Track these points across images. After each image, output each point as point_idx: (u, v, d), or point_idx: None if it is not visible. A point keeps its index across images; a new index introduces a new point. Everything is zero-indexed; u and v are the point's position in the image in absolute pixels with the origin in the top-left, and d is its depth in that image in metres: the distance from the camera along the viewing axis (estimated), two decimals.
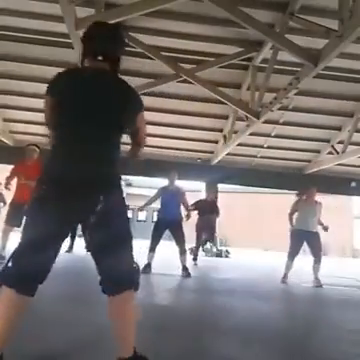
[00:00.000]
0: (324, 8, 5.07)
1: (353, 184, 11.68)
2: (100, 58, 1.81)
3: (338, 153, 9.58)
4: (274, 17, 5.40)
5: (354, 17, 4.09)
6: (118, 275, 1.77)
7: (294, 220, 6.45)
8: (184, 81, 6.91)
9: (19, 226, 5.84)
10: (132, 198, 23.20)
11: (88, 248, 1.87)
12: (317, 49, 5.03)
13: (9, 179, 6.00)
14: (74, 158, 1.73)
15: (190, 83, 6.93)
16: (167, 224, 6.10)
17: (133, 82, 7.75)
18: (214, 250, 11.48)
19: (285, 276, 6.18)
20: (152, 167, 11.00)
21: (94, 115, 1.75)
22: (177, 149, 10.88)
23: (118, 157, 1.84)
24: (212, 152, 10.99)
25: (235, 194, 18.16)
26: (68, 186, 1.68)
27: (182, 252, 6.13)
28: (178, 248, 6.15)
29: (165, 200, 6.34)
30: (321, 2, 5.05)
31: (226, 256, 11.65)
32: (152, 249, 6.08)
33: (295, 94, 6.31)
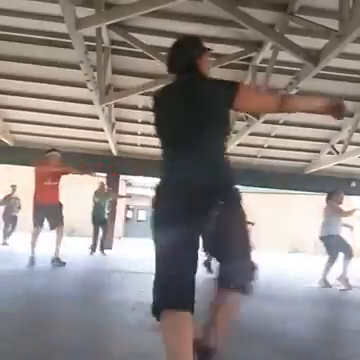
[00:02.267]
0: (324, 8, 5.06)
1: (353, 184, 11.68)
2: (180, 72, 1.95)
3: (338, 153, 9.58)
4: (274, 17, 5.40)
5: (354, 17, 4.09)
6: (231, 274, 1.80)
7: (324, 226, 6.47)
8: None
9: (42, 226, 6.17)
10: (132, 198, 23.26)
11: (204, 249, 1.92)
12: (317, 49, 5.03)
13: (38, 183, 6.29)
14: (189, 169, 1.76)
15: None
16: None
17: (133, 82, 7.75)
18: None
19: (325, 280, 6.20)
20: (152, 167, 11.01)
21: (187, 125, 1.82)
22: None
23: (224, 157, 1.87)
24: None
25: None
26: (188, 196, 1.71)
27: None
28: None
29: None
30: (321, 2, 5.05)
31: None
32: None
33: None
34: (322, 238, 6.42)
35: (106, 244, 10.06)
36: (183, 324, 1.66)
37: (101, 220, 9.58)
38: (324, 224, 6.44)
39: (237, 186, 1.85)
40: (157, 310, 1.70)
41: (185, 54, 2.00)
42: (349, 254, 6.14)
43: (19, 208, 10.89)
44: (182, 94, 1.86)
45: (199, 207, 1.70)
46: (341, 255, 6.28)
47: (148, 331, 2.81)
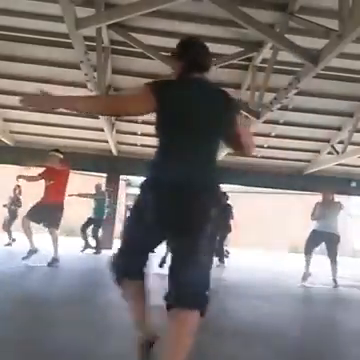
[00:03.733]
0: (324, 8, 5.06)
1: (353, 184, 11.68)
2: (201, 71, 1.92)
3: (338, 153, 9.58)
4: (274, 17, 5.40)
5: (354, 17, 4.09)
6: (184, 290, 1.71)
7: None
8: None
9: (38, 223, 6.25)
10: (132, 198, 23.25)
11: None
12: (317, 49, 5.03)
13: (31, 179, 6.58)
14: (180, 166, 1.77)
15: None
16: None
17: (133, 82, 7.75)
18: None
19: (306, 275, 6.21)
20: None
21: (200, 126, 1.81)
22: None
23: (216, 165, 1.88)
24: None
25: (235, 194, 18.14)
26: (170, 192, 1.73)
27: None
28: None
29: None
30: (321, 2, 5.05)
31: (226, 256, 11.65)
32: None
33: (295, 94, 6.31)
34: (314, 231, 6.40)
35: (106, 244, 10.07)
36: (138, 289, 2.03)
37: (98, 220, 9.59)
38: (320, 220, 6.45)
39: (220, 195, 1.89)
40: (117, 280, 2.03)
41: (210, 55, 2.00)
42: (333, 257, 6.18)
43: (20, 205, 10.86)
44: (203, 95, 1.85)
45: (177, 204, 1.70)
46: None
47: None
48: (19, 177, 6.65)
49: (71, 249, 9.18)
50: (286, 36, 5.16)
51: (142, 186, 1.85)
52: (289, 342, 2.82)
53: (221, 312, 3.69)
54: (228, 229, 9.46)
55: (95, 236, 9.64)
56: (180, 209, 1.70)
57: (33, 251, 6.14)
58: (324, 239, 6.31)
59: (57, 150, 6.54)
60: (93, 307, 3.49)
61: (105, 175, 11.76)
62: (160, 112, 1.80)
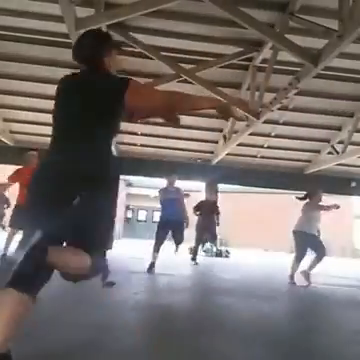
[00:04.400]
0: (324, 8, 5.06)
1: (353, 184, 11.69)
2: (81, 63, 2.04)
3: (338, 153, 9.58)
4: (274, 17, 5.40)
5: (354, 17, 4.09)
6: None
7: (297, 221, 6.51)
8: (184, 81, 6.90)
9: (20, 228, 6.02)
10: (132, 198, 23.27)
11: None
12: (317, 49, 5.03)
13: (10, 179, 6.30)
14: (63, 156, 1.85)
15: (190, 83, 6.93)
16: (170, 225, 6.24)
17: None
18: (214, 250, 11.49)
19: (292, 277, 6.18)
20: (152, 167, 11.01)
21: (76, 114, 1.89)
22: (177, 149, 10.88)
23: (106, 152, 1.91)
24: (212, 152, 10.99)
25: (235, 194, 18.14)
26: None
27: (176, 250, 6.74)
28: (175, 246, 6.66)
29: (166, 201, 6.44)
30: (321, 2, 5.05)
31: (226, 256, 11.66)
32: (156, 249, 6.20)
33: (295, 94, 6.31)
34: (295, 233, 6.40)
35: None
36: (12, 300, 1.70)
37: None
38: (301, 221, 6.46)
39: (114, 178, 1.90)
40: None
41: (89, 47, 2.03)
42: (321, 255, 6.14)
43: (7, 205, 10.84)
44: (76, 85, 1.98)
45: (60, 194, 1.76)
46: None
47: (148, 331, 2.81)
48: None
49: None
50: (286, 36, 5.16)
51: None
52: (289, 342, 2.82)
53: (221, 312, 3.69)
54: (214, 229, 9.31)
55: None
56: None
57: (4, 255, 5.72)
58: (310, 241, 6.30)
59: (35, 149, 6.35)
60: (94, 307, 3.49)
61: None
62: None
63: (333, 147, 9.70)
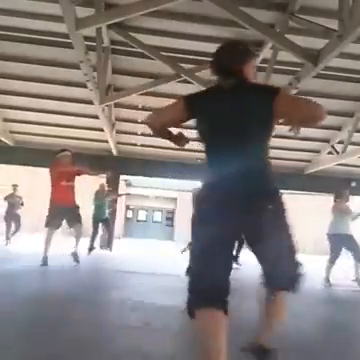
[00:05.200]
0: (324, 8, 5.06)
1: (353, 184, 11.68)
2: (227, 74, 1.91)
3: (338, 153, 9.58)
4: (274, 17, 5.39)
5: (354, 17, 4.09)
6: (278, 276, 1.91)
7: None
8: (184, 81, 6.90)
9: (58, 228, 6.20)
10: (132, 198, 23.26)
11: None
12: (317, 49, 5.03)
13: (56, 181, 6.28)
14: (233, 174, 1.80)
15: (190, 83, 6.93)
16: None
17: (133, 82, 7.72)
18: None
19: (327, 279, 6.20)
20: (152, 167, 11.01)
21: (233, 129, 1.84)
22: (177, 149, 10.87)
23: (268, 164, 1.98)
24: None
25: None
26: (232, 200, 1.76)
27: (184, 249, 6.55)
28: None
29: None
30: (321, 2, 5.04)
31: None
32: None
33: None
34: (331, 235, 6.40)
35: (108, 243, 10.14)
36: (218, 324, 1.71)
37: (103, 219, 9.73)
38: (334, 222, 6.47)
39: (279, 190, 1.95)
40: (191, 309, 1.73)
41: (238, 56, 1.97)
42: (358, 255, 6.15)
43: (22, 204, 10.90)
44: (229, 99, 1.86)
45: (246, 211, 1.75)
46: (345, 255, 6.30)
47: (148, 331, 2.81)
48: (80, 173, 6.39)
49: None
50: (286, 36, 5.16)
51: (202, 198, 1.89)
52: (291, 342, 2.82)
53: None
54: None
55: (108, 235, 9.90)
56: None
57: (46, 257, 6.01)
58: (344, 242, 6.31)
59: (65, 149, 6.53)
60: (94, 307, 3.49)
61: (105, 175, 11.75)
62: (195, 121, 1.91)
63: (333, 147, 9.70)
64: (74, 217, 6.26)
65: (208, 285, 1.72)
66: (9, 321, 2.81)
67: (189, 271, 1.86)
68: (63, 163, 6.31)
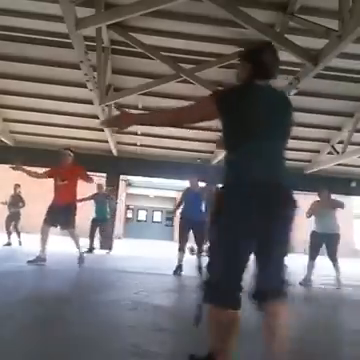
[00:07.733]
0: (324, 8, 5.06)
1: (353, 184, 11.68)
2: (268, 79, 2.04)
3: (338, 153, 9.58)
4: (274, 17, 5.40)
5: (354, 17, 4.09)
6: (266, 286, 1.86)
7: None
8: (184, 81, 6.90)
9: (56, 226, 6.19)
10: (132, 198, 23.27)
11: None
12: (317, 49, 5.03)
13: (36, 175, 6.46)
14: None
15: (190, 83, 6.93)
16: (192, 224, 6.28)
17: (133, 82, 7.70)
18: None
19: (306, 278, 6.19)
20: (152, 167, 11.01)
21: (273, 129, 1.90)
22: (177, 149, 10.88)
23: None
24: (212, 152, 10.98)
25: None
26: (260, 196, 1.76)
27: (199, 251, 6.33)
28: (196, 247, 6.34)
29: (189, 200, 6.56)
30: (321, 2, 5.05)
31: None
32: (181, 249, 6.26)
33: (295, 94, 6.31)
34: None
35: (106, 244, 10.14)
36: (235, 322, 1.83)
37: (103, 219, 9.72)
38: (319, 221, 6.47)
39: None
40: (211, 302, 1.80)
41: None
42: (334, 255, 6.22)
43: (22, 204, 10.86)
44: (271, 99, 1.97)
45: (273, 207, 1.76)
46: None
47: (148, 331, 2.81)
48: (16, 169, 6.31)
49: (71, 248, 9.17)
50: (286, 36, 5.17)
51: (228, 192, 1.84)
52: (291, 343, 2.82)
53: None
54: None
55: (102, 235, 9.90)
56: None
57: (42, 259, 5.98)
58: (324, 240, 6.33)
59: (67, 149, 6.53)
60: (94, 307, 3.49)
61: (105, 175, 11.77)
62: (223, 118, 1.90)
63: (333, 147, 9.70)
64: (66, 220, 6.17)
65: (231, 286, 1.78)
66: (7, 322, 2.81)
67: (210, 267, 1.83)
68: (61, 162, 6.32)
